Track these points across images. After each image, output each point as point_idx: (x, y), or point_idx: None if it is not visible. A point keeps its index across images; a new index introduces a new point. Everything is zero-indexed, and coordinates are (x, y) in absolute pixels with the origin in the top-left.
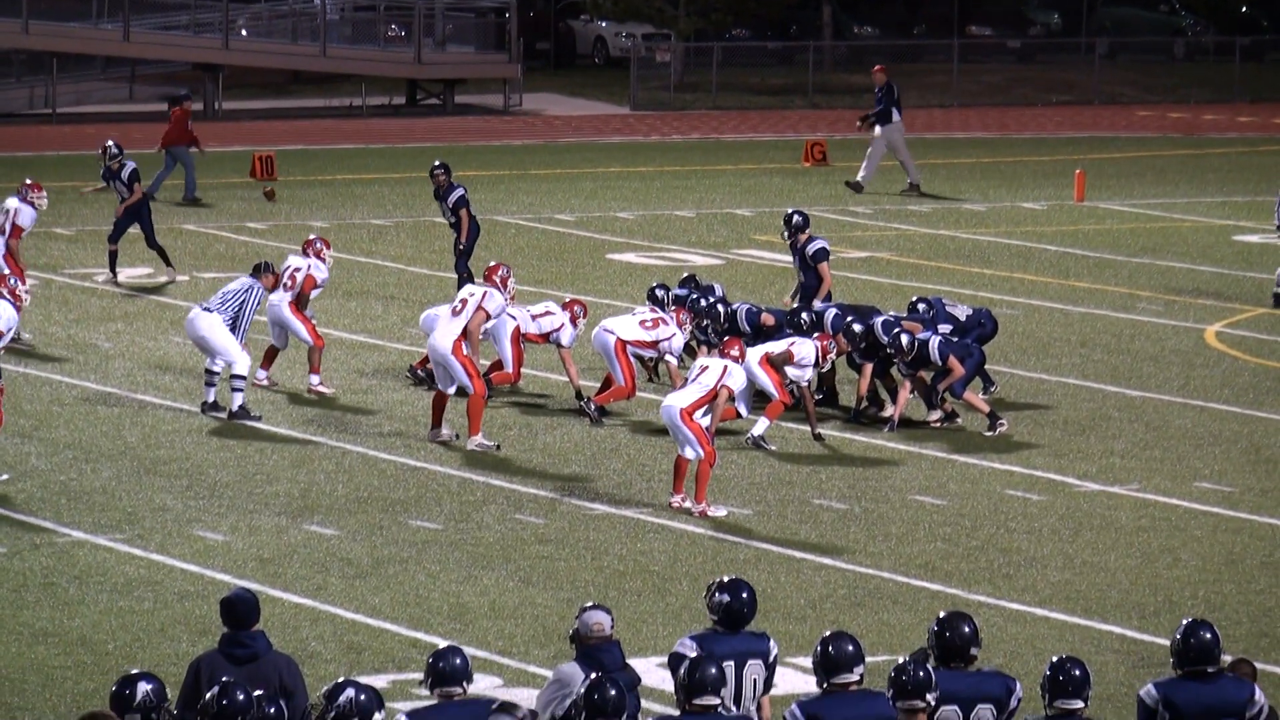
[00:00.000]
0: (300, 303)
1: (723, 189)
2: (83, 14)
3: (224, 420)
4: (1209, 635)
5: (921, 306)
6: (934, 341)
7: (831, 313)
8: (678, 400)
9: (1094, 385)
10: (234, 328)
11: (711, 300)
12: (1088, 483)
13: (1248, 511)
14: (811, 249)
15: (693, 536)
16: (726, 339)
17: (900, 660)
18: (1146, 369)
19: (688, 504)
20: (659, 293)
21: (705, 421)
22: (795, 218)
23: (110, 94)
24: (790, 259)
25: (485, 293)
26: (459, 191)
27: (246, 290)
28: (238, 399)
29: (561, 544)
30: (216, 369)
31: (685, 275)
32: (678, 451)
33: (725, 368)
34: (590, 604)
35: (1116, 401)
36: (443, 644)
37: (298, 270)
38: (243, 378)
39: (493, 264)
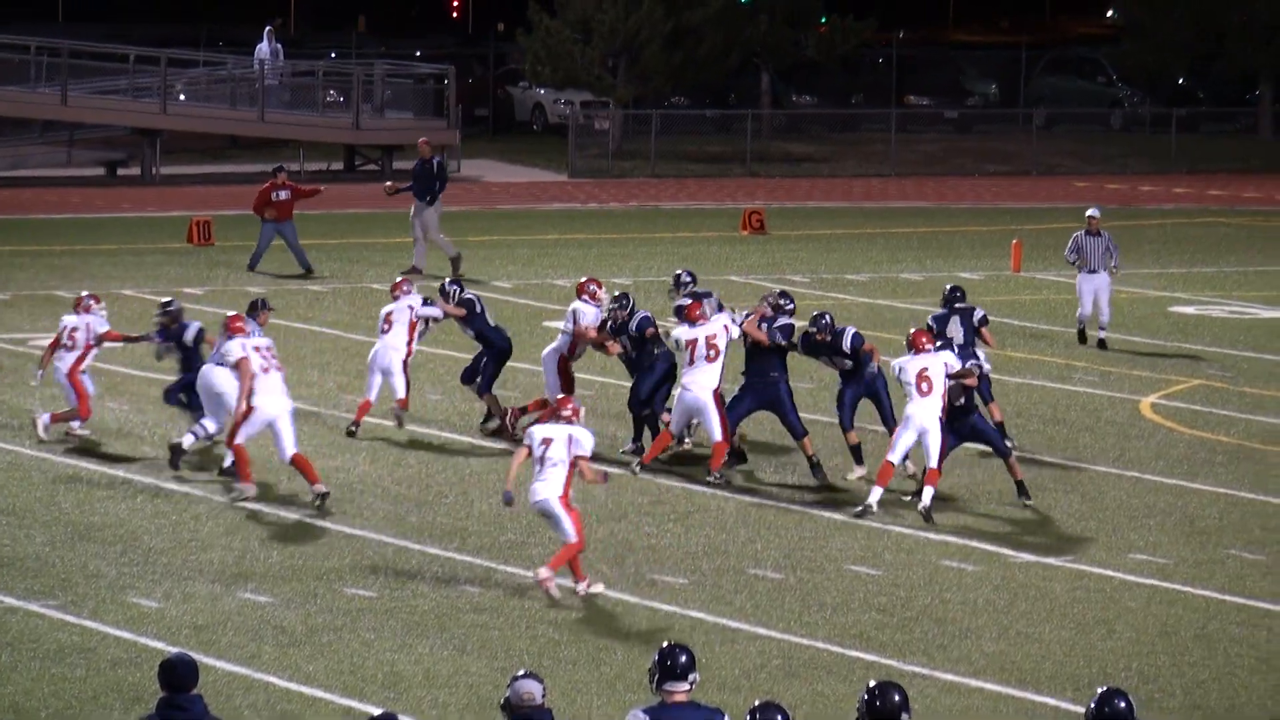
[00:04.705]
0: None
1: (660, 256)
2: (20, 77)
3: (171, 487)
4: (1123, 704)
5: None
6: (850, 331)
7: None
8: (551, 490)
9: (1029, 455)
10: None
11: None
12: (1023, 553)
13: (1182, 583)
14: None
15: (628, 605)
16: (560, 397)
17: None
18: (1082, 440)
19: (580, 586)
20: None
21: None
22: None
23: (48, 158)
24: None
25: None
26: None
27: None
28: (189, 440)
29: (496, 612)
30: (211, 430)
31: (619, 293)
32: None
33: (569, 437)
34: (522, 672)
35: (1052, 472)
36: (377, 712)
37: (76, 330)
38: (209, 434)
39: (582, 280)
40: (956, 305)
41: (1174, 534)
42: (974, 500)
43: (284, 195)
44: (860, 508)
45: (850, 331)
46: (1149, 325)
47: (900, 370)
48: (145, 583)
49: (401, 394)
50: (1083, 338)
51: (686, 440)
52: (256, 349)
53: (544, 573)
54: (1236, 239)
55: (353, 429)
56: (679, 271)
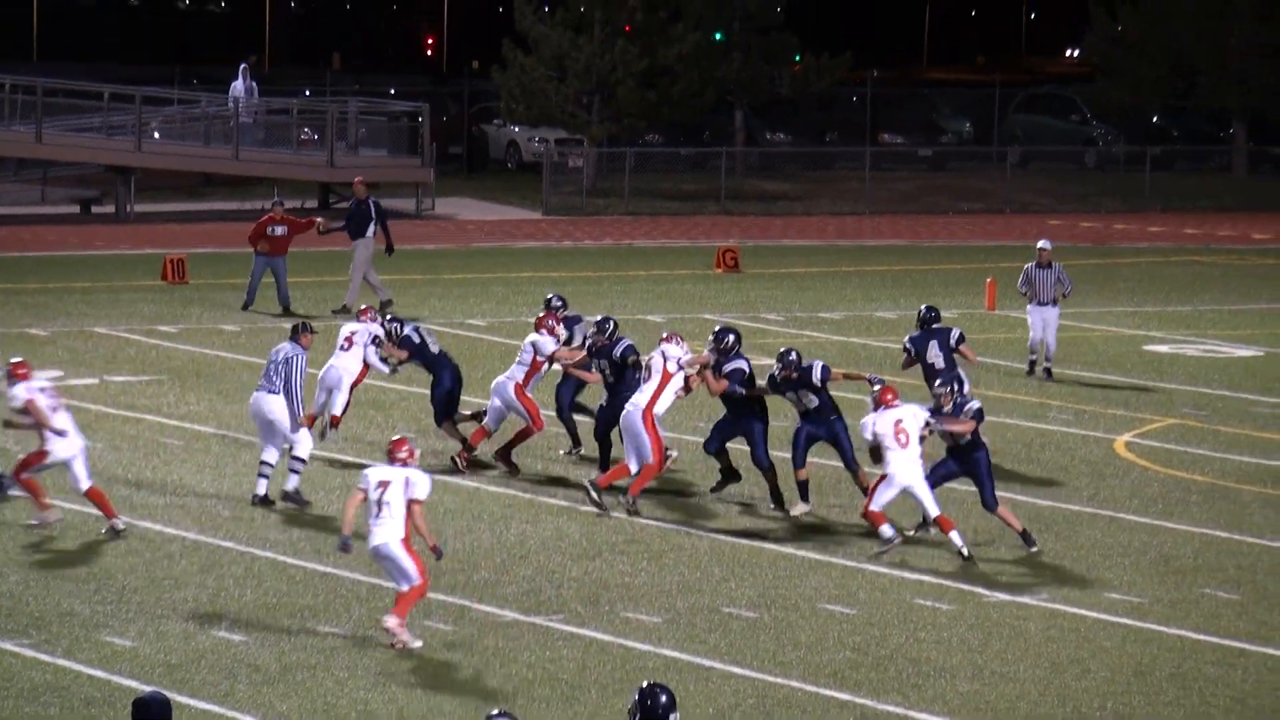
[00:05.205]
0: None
1: (635, 294)
2: None
3: (145, 525)
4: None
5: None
6: (818, 365)
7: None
8: (391, 534)
9: (1003, 494)
10: (289, 400)
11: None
12: (997, 592)
13: (1157, 622)
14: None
15: (601, 644)
16: (395, 439)
17: None
18: (1056, 478)
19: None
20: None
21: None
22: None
23: (22, 196)
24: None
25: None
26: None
27: (288, 359)
28: (294, 480)
29: (470, 650)
30: (272, 461)
31: (603, 317)
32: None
33: (406, 480)
34: (496, 711)
35: (1026, 511)
36: None
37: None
38: (303, 460)
39: (542, 314)
40: (933, 326)
41: (1149, 573)
42: (946, 539)
43: (280, 230)
44: (884, 547)
45: (818, 365)
46: (1123, 364)
47: (869, 428)
48: (119, 621)
49: (337, 411)
50: (1032, 369)
51: (672, 452)
52: (42, 390)
53: (391, 621)
54: (1211, 277)
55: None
56: (550, 296)
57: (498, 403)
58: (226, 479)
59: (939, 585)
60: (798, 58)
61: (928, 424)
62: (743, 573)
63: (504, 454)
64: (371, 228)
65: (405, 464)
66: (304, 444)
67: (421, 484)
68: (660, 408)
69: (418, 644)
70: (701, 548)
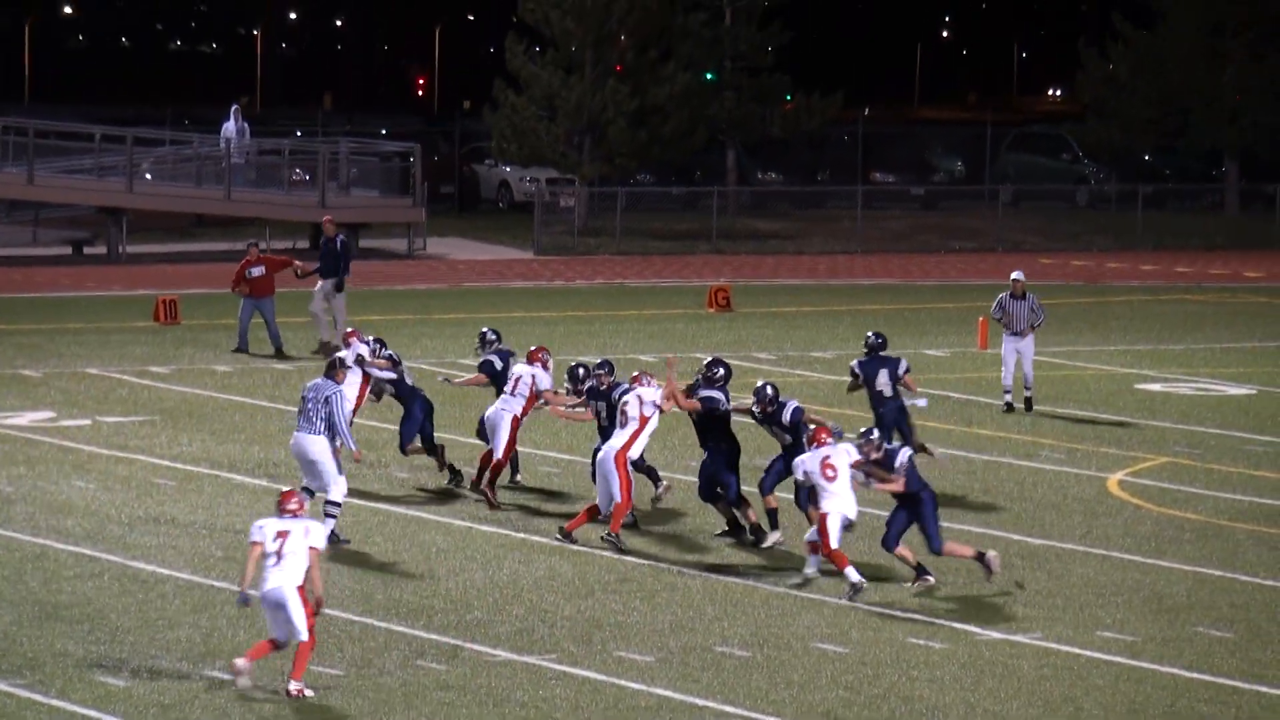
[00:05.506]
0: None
1: (627, 334)
2: None
3: (138, 565)
4: None
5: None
6: (790, 405)
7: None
8: (288, 579)
9: (997, 533)
10: (331, 437)
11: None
12: (990, 631)
13: (1150, 661)
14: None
15: (594, 684)
16: (285, 491)
17: None
18: (1049, 517)
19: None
20: (580, 372)
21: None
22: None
23: (14, 237)
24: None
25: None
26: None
27: (328, 399)
28: (330, 525)
29: (463, 690)
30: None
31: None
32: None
33: (305, 528)
34: None
35: (1019, 549)
36: None
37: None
38: (338, 504)
39: (534, 348)
40: (881, 354)
41: (1142, 611)
42: (939, 577)
43: (258, 271)
44: (852, 592)
45: (791, 405)
46: (1115, 402)
47: (800, 467)
48: (112, 661)
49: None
50: (1010, 408)
51: (662, 483)
52: None
53: (241, 664)
54: (1203, 316)
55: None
56: (484, 330)
57: (504, 436)
58: (219, 519)
59: (931, 624)
60: (789, 97)
61: (860, 467)
62: (735, 611)
63: (486, 485)
64: (342, 266)
65: (296, 515)
66: (337, 490)
67: (319, 532)
68: (634, 452)
69: (310, 692)
70: (694, 586)
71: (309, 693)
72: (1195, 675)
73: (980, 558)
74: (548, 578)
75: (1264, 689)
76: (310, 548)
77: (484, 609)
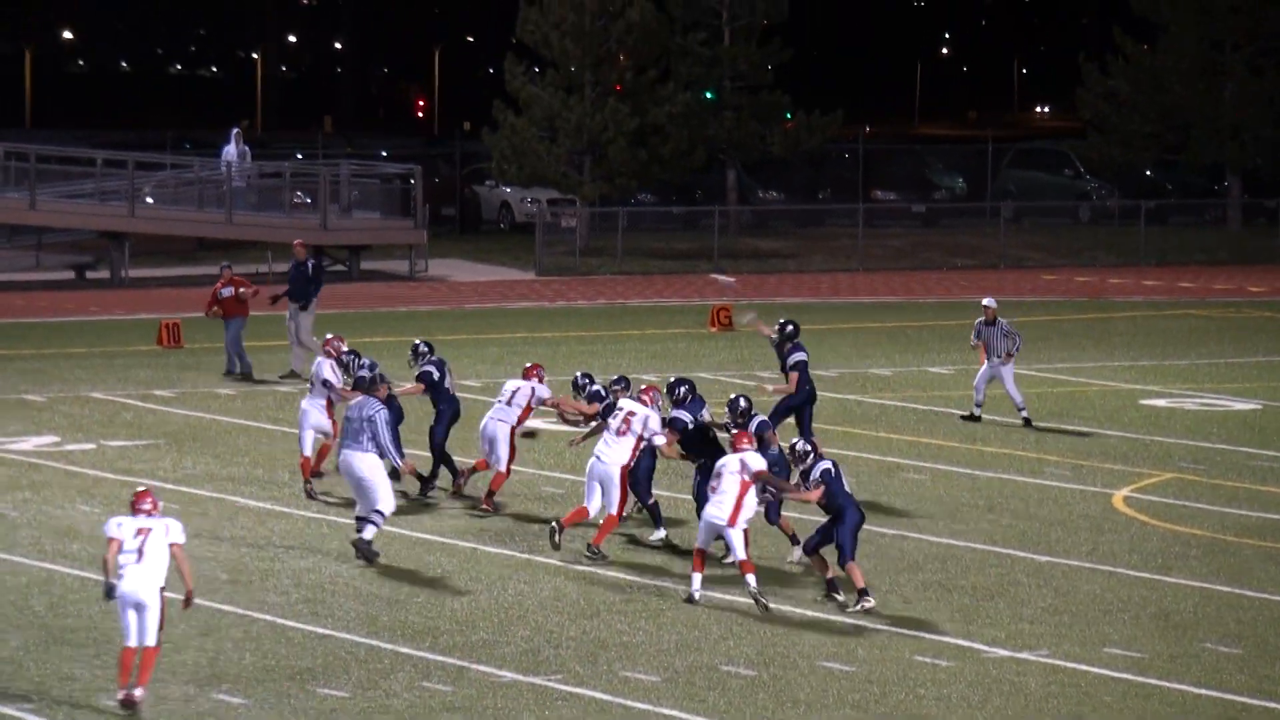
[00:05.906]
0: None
1: (628, 354)
2: None
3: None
4: None
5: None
6: (757, 418)
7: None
8: (151, 579)
9: (1002, 550)
10: (385, 453)
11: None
12: (996, 648)
13: (1157, 677)
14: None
15: (600, 704)
16: (140, 490)
17: None
18: (1054, 534)
19: (136, 691)
20: (582, 381)
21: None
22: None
23: (16, 262)
24: None
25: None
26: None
27: (371, 418)
28: (370, 530)
29: (470, 712)
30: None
31: (617, 376)
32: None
33: (166, 527)
34: None
35: (1025, 566)
36: None
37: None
38: (383, 515)
39: (529, 365)
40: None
41: (1149, 628)
42: (947, 594)
43: (228, 292)
44: (694, 595)
45: (758, 419)
46: (1120, 418)
47: (719, 469)
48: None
49: (308, 452)
50: (975, 418)
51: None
52: None
53: (139, 693)
54: (1207, 331)
55: (308, 489)
56: (417, 342)
57: (504, 448)
58: (224, 542)
59: (938, 642)
60: (789, 115)
61: (765, 487)
62: (741, 631)
63: (485, 497)
64: (312, 290)
65: (151, 515)
66: (390, 501)
67: (178, 528)
68: (630, 462)
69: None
70: (699, 606)
71: (138, 692)
72: (1203, 692)
73: (862, 593)
74: (553, 598)
75: (1273, 705)
76: (171, 544)
77: (490, 630)
